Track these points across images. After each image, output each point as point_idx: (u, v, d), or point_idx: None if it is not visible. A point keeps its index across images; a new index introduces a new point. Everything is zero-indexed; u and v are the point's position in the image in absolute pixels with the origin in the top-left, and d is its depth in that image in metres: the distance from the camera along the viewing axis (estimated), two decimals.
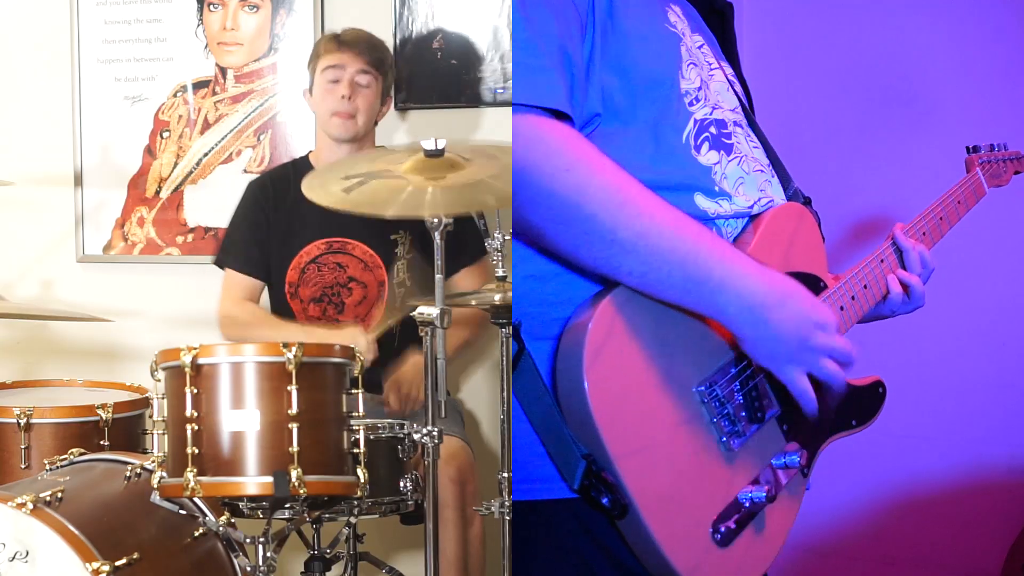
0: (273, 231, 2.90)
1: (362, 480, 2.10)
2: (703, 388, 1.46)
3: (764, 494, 1.48)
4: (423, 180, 2.12)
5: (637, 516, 1.37)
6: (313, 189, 2.24)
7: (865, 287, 1.73)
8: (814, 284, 1.65)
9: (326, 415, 2.08)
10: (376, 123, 2.90)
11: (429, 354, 2.14)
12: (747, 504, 1.48)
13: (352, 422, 2.12)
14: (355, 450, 2.11)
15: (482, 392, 3.21)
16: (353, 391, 2.13)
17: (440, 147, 2.14)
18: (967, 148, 2.12)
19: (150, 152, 3.36)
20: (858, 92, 3.11)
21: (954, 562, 3.05)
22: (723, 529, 1.45)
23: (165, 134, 3.35)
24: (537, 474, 1.40)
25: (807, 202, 1.71)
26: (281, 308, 2.91)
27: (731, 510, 1.47)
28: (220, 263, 2.98)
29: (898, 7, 3.07)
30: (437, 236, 2.09)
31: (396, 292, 2.87)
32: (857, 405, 1.69)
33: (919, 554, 3.10)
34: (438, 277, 2.10)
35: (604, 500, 1.36)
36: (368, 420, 2.19)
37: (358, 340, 2.61)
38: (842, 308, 1.66)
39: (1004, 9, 2.96)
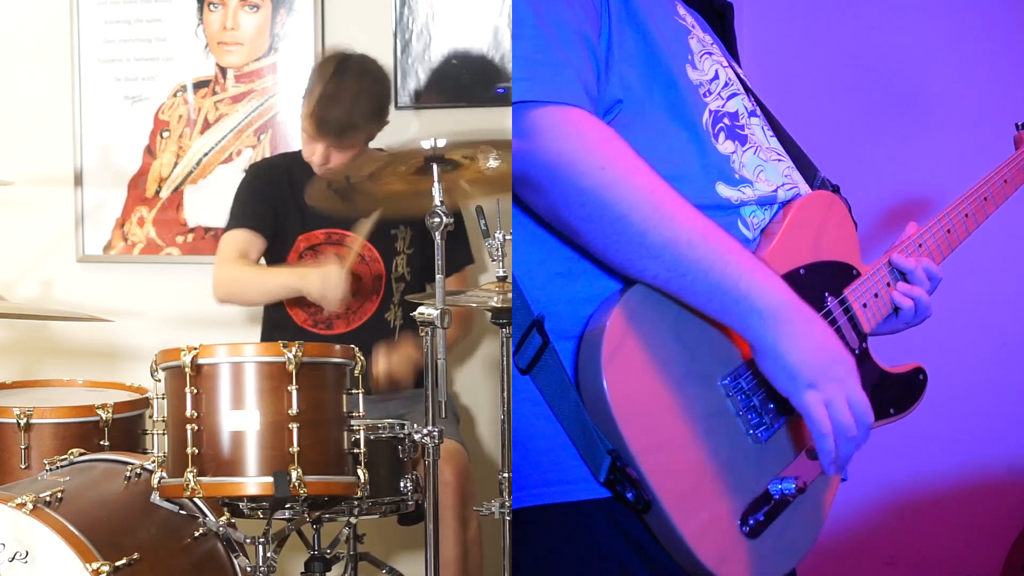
0: (276, 212, 2.88)
1: (362, 480, 2.10)
2: (728, 381, 1.45)
3: (794, 486, 1.47)
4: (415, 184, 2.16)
5: (661, 510, 1.37)
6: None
7: (882, 290, 1.69)
8: (846, 272, 1.62)
9: (326, 415, 2.08)
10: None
11: (429, 354, 2.14)
12: (777, 496, 1.47)
13: (352, 422, 2.12)
14: (355, 450, 2.11)
15: (480, 392, 3.20)
16: (353, 391, 2.13)
17: (440, 146, 2.14)
18: (1016, 125, 2.01)
19: (150, 152, 3.36)
20: (858, 92, 3.11)
21: (954, 562, 3.05)
22: (752, 521, 1.45)
23: (165, 134, 3.35)
24: (572, 475, 1.40)
25: (835, 190, 1.68)
26: None
27: (761, 502, 1.46)
28: (229, 228, 2.90)
29: (898, 5, 3.07)
30: (437, 236, 2.09)
31: (396, 286, 2.87)
32: (896, 393, 1.65)
33: (919, 554, 3.10)
34: (439, 277, 2.10)
35: (629, 495, 1.36)
36: (368, 420, 2.19)
37: (331, 274, 2.65)
38: (865, 305, 1.63)
39: (1005, 7, 2.96)
